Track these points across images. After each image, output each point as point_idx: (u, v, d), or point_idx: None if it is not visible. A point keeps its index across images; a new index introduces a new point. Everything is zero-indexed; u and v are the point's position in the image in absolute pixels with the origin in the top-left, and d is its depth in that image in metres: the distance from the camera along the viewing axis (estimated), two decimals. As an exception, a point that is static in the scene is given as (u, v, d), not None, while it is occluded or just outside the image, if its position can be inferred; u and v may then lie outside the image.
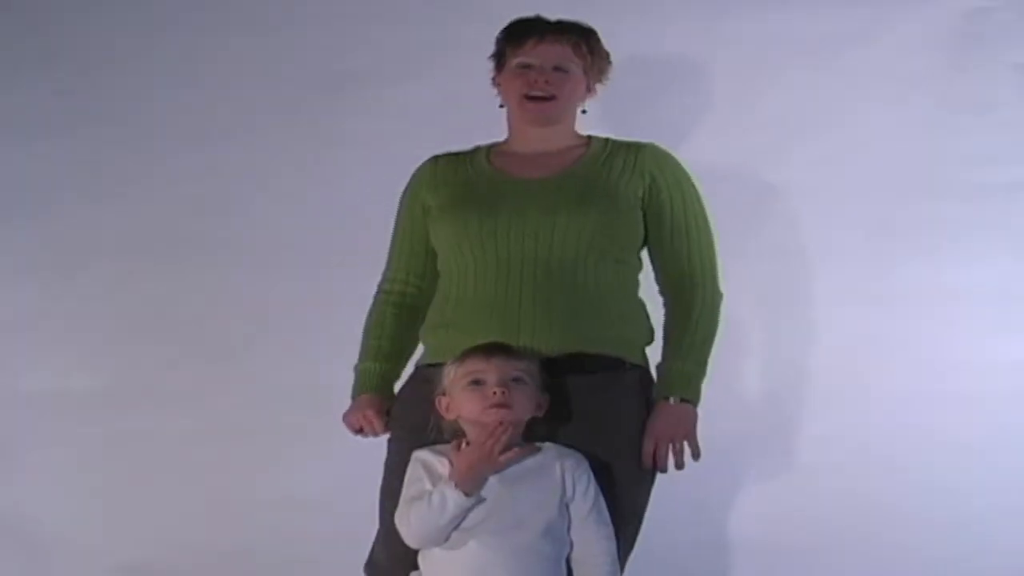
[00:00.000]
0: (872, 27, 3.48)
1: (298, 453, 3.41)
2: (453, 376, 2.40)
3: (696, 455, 2.55)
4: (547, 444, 2.42)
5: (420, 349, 2.67)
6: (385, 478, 2.55)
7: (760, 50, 3.46)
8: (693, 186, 2.67)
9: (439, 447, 2.41)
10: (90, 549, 3.48)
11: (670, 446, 2.52)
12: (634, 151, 2.65)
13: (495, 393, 2.34)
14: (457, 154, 2.72)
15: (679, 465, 2.54)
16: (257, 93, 3.54)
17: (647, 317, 2.62)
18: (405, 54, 3.42)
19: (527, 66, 2.61)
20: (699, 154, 3.40)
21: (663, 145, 2.68)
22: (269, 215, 3.50)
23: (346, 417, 2.65)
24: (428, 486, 2.35)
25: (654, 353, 2.60)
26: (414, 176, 2.72)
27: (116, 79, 3.55)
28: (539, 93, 2.60)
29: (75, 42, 3.56)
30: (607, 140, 2.69)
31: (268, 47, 3.54)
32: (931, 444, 3.39)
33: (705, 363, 2.58)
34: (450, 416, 2.41)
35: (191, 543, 3.47)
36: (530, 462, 2.38)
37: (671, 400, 2.53)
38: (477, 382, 2.37)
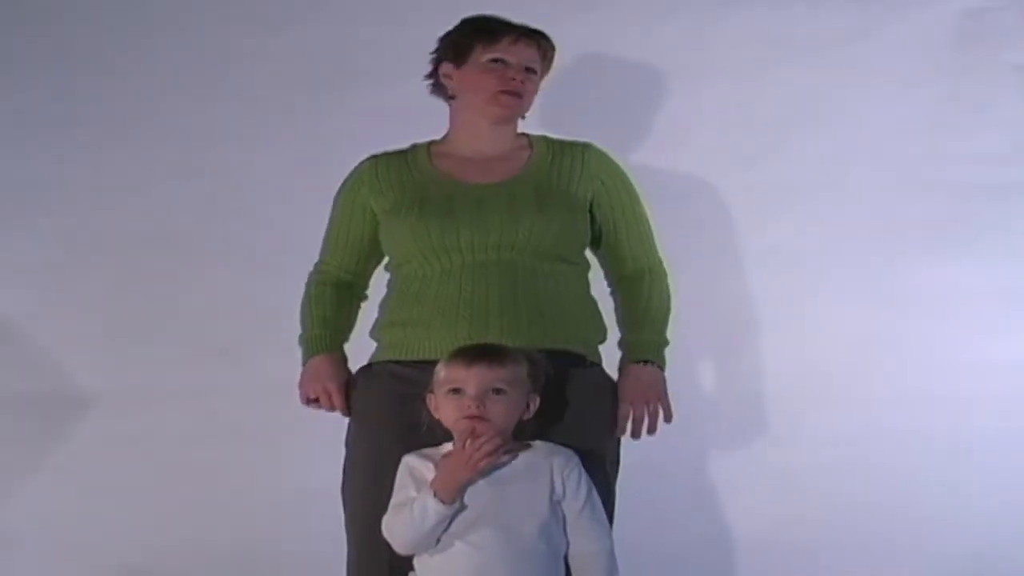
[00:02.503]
0: (872, 27, 3.49)
1: (298, 453, 3.40)
2: (440, 378, 2.40)
3: (668, 418, 2.63)
4: (537, 443, 2.43)
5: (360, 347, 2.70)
6: (358, 478, 2.56)
7: (759, 50, 3.46)
8: (632, 184, 2.75)
9: (426, 451, 2.41)
10: (90, 549, 3.48)
11: (645, 409, 2.59)
12: (580, 153, 2.71)
13: (470, 406, 2.35)
14: (395, 153, 2.74)
15: (652, 428, 2.60)
16: (258, 93, 3.54)
17: (600, 316, 2.69)
18: (405, 54, 3.41)
19: (502, 62, 2.63)
20: (699, 154, 3.43)
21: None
22: (269, 215, 3.50)
23: (302, 385, 2.69)
24: (413, 493, 2.36)
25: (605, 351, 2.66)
26: (352, 176, 2.75)
27: (116, 79, 3.55)
28: (514, 90, 2.63)
29: (75, 42, 3.56)
30: (547, 140, 2.74)
31: (268, 47, 3.54)
32: (931, 444, 3.40)
33: (666, 337, 2.68)
34: (437, 415, 2.42)
35: (191, 543, 3.46)
36: (519, 462, 2.39)
37: (642, 364, 2.62)
38: (456, 391, 2.37)
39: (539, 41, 2.67)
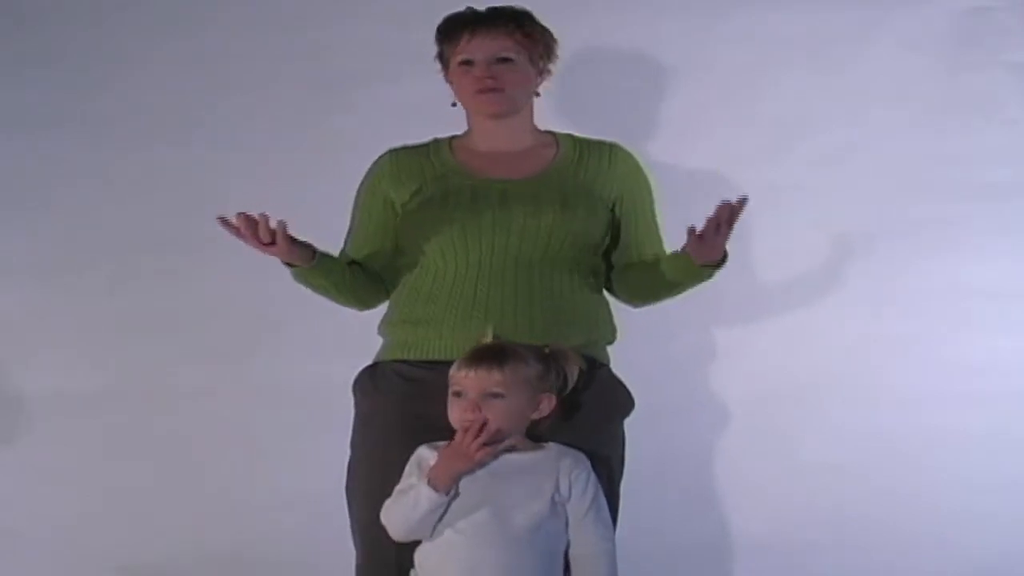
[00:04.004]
0: (872, 27, 3.49)
1: (298, 453, 3.41)
2: (450, 376, 2.41)
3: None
4: (550, 444, 2.43)
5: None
6: (363, 479, 2.54)
7: (760, 50, 3.46)
8: (653, 187, 2.73)
9: (440, 444, 2.42)
10: (90, 549, 3.47)
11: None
12: (606, 153, 2.68)
13: (467, 409, 2.36)
14: (415, 147, 2.71)
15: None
16: (258, 92, 3.53)
17: (612, 316, 2.68)
18: (404, 54, 3.42)
19: (468, 62, 2.60)
20: (699, 154, 3.43)
21: (628, 145, 2.74)
22: (270, 215, 3.49)
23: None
24: (415, 482, 2.37)
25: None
26: (372, 169, 2.71)
27: (116, 78, 3.54)
28: (485, 88, 2.58)
29: (75, 42, 3.55)
30: (573, 139, 2.71)
31: (268, 47, 3.53)
32: (931, 444, 3.40)
33: None
34: None
35: (191, 543, 3.46)
36: (526, 459, 2.40)
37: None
38: (458, 394, 2.38)
39: (503, 27, 2.59)
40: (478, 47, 2.59)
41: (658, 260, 2.63)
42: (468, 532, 2.35)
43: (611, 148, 2.70)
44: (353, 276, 2.66)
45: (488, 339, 2.45)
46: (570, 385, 2.45)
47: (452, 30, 2.62)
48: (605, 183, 2.65)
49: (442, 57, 2.67)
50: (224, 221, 2.47)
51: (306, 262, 2.57)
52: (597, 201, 2.62)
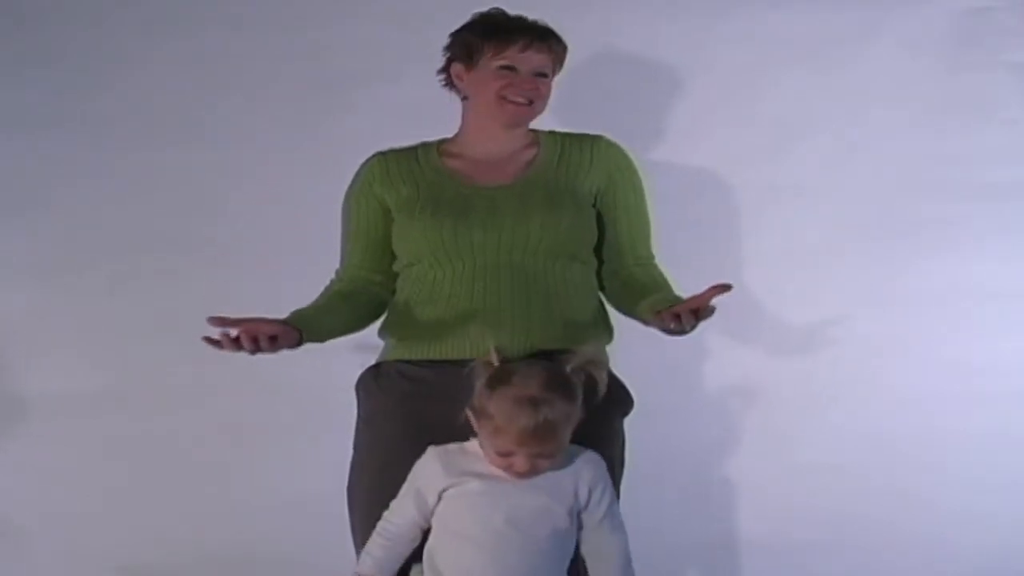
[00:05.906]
0: (871, 27, 3.49)
1: (298, 453, 3.41)
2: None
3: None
4: (570, 446, 2.40)
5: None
6: (365, 479, 2.53)
7: (759, 50, 3.46)
8: (641, 179, 2.71)
9: (451, 447, 2.41)
10: (90, 549, 3.48)
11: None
12: (588, 146, 2.68)
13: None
14: (402, 151, 2.71)
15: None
16: (258, 93, 3.54)
17: (608, 316, 2.68)
18: (404, 54, 3.42)
19: (511, 69, 2.60)
20: (699, 154, 3.43)
21: (628, 145, 2.73)
22: (269, 215, 3.50)
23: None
24: (412, 488, 2.38)
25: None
26: (362, 173, 2.72)
27: (116, 78, 3.54)
28: (521, 100, 2.60)
29: (75, 42, 3.55)
30: (555, 136, 2.71)
31: (268, 47, 3.54)
32: (931, 444, 3.40)
33: None
34: (478, 432, 2.39)
35: (191, 543, 3.47)
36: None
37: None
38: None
39: (550, 44, 2.62)
40: (529, 59, 2.60)
41: (644, 291, 2.59)
42: (483, 539, 2.34)
43: (594, 141, 2.69)
44: (342, 311, 2.66)
45: (492, 357, 2.40)
46: (600, 391, 2.41)
47: (504, 33, 2.61)
48: (587, 178, 2.65)
49: (472, 53, 2.64)
50: (210, 339, 2.42)
51: (295, 339, 2.51)
52: (582, 198, 2.63)
